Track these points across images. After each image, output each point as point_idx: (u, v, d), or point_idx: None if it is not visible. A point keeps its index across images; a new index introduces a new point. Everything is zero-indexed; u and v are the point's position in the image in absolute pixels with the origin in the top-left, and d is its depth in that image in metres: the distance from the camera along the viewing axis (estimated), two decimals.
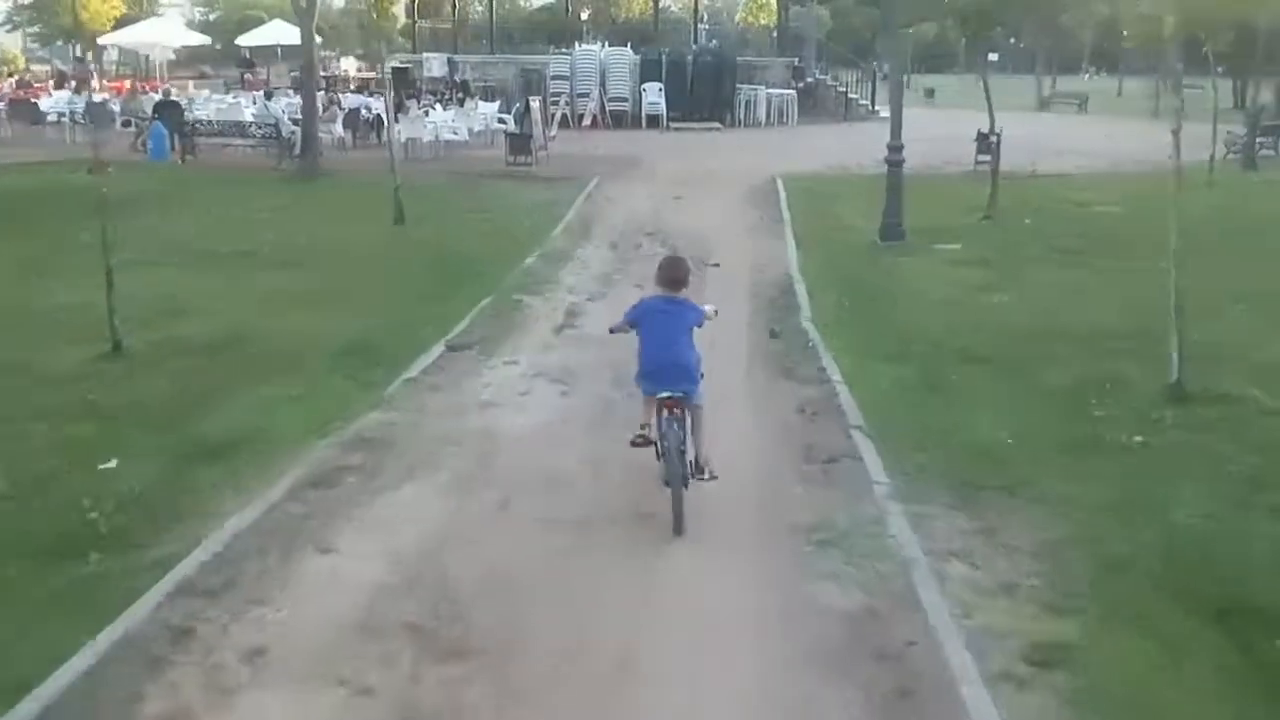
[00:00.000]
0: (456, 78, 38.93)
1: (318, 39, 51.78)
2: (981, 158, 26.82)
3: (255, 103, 30.48)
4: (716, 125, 36.55)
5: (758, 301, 13.43)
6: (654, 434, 6.94)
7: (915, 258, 16.09)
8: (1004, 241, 17.34)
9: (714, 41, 42.14)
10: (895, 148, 17.03)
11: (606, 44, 39.42)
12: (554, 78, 36.62)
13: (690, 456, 6.93)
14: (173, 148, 26.73)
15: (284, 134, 25.77)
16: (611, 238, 17.82)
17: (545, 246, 16.89)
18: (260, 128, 26.11)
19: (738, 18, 61.03)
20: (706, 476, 7.00)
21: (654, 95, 36.48)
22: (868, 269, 15.25)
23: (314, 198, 21.94)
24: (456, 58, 41.23)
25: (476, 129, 30.15)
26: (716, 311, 7.67)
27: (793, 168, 26.93)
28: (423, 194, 21.81)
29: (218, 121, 27.07)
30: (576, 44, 38.16)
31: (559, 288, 14.05)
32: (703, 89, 37.44)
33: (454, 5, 47.79)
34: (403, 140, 27.28)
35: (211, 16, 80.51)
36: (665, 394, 6.90)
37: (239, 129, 26.25)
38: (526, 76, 37.91)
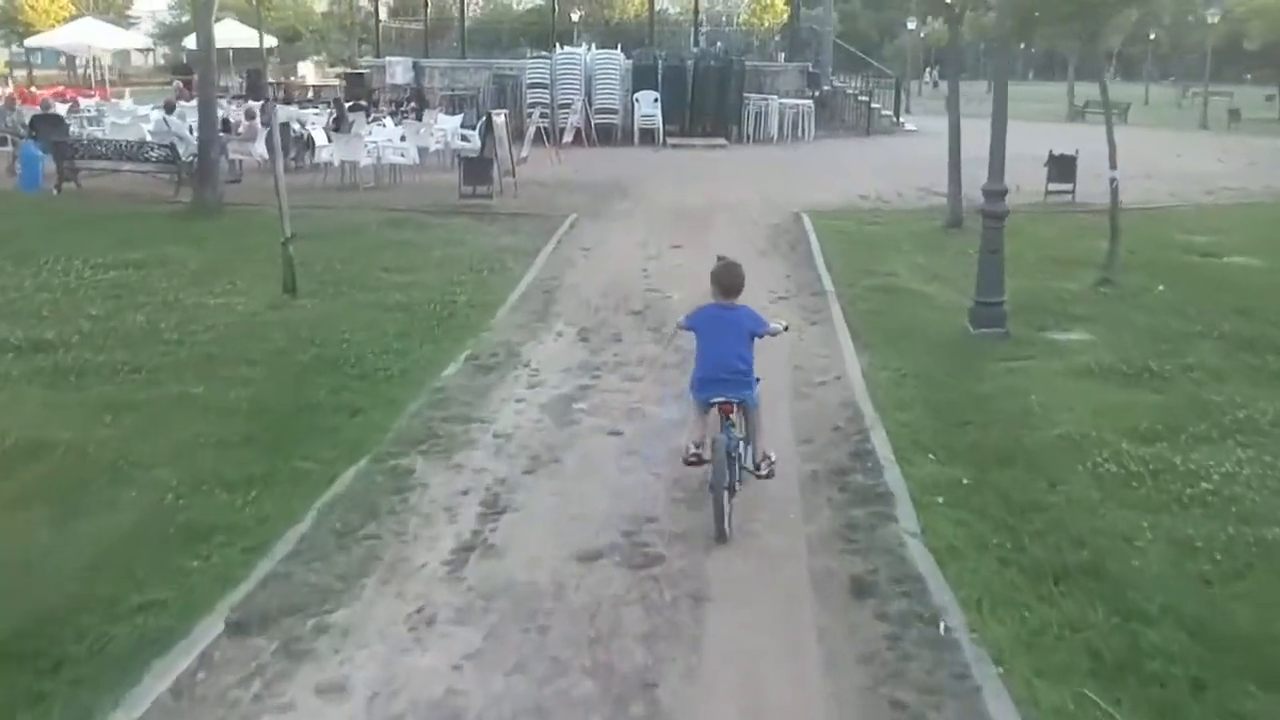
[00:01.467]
0: (416, 86, 33.64)
1: (271, 40, 46.63)
2: (1056, 186, 21.58)
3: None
4: (721, 142, 31.24)
5: (817, 491, 7.69)
6: (706, 451, 6.89)
7: (1035, 362, 10.74)
8: (1148, 327, 12.02)
9: (718, 44, 36.75)
10: (996, 193, 11.69)
11: (593, 46, 34.03)
12: (531, 86, 31.31)
13: (746, 461, 7.03)
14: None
15: (183, 157, 20.40)
16: (583, 319, 12.49)
17: (482, 338, 11.56)
18: (155, 149, 20.75)
19: (740, 19, 55.66)
20: (764, 472, 7.10)
21: (648, 106, 31.17)
22: (971, 390, 9.86)
23: (198, 246, 16.61)
24: (424, 62, 35.93)
25: (434, 147, 24.81)
26: (787, 327, 7.89)
27: (819, 198, 21.62)
28: (338, 243, 16.60)
29: (105, 142, 21.68)
30: (557, 46, 32.73)
31: (481, 440, 8.57)
32: (705, 99, 32.13)
33: (425, 2, 42.41)
34: (336, 163, 21.99)
35: (184, 18, 74.98)
36: (720, 399, 6.94)
37: (130, 151, 20.87)
38: (500, 84, 32.68)
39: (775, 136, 32.61)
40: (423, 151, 24.17)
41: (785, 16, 52.16)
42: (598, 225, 18.73)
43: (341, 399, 9.36)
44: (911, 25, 69.87)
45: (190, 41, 45.41)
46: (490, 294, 13.55)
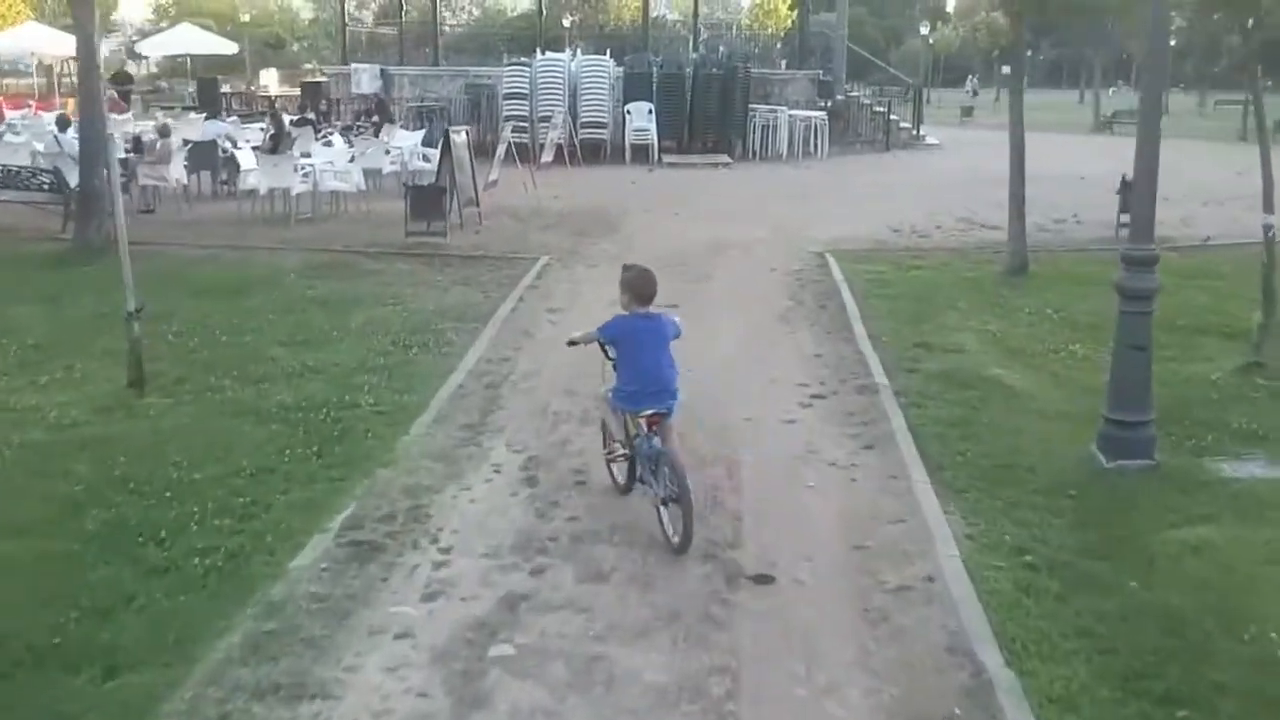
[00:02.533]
0: (382, 96, 29.90)
1: (232, 46, 42.94)
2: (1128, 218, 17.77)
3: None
4: (724, 159, 27.47)
5: None
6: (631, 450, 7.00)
7: (1222, 529, 6.92)
8: None
9: (721, 49, 33.02)
10: (1142, 261, 7.88)
11: (579, 51, 30.25)
12: (508, 96, 27.55)
13: (668, 484, 6.63)
14: None
15: (70, 185, 16.61)
16: (533, 439, 8.70)
17: (378, 479, 7.76)
18: (38, 175, 16.96)
19: (742, 23, 51.94)
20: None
21: (642, 119, 27.41)
22: (1147, 602, 6.01)
23: (52, 306, 12.86)
24: (393, 70, 32.20)
25: (389, 169, 21.04)
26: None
27: (843, 231, 17.91)
28: (235, 302, 12.96)
29: None
30: (538, 51, 28.89)
31: None
32: (706, 110, 28.35)
33: (400, 3, 38.73)
34: (263, 192, 18.23)
35: (162, 24, 71.13)
36: (651, 411, 6.80)
37: (8, 177, 17.08)
38: (475, 95, 28.93)
39: (785, 153, 28.83)
40: (375, 175, 20.41)
41: (789, 21, 48.51)
42: (573, 273, 14.93)
43: (106, 633, 5.57)
44: (925, 30, 66.03)
45: (146, 46, 41.79)
46: (411, 390, 9.74)
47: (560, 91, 27.43)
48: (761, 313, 12.84)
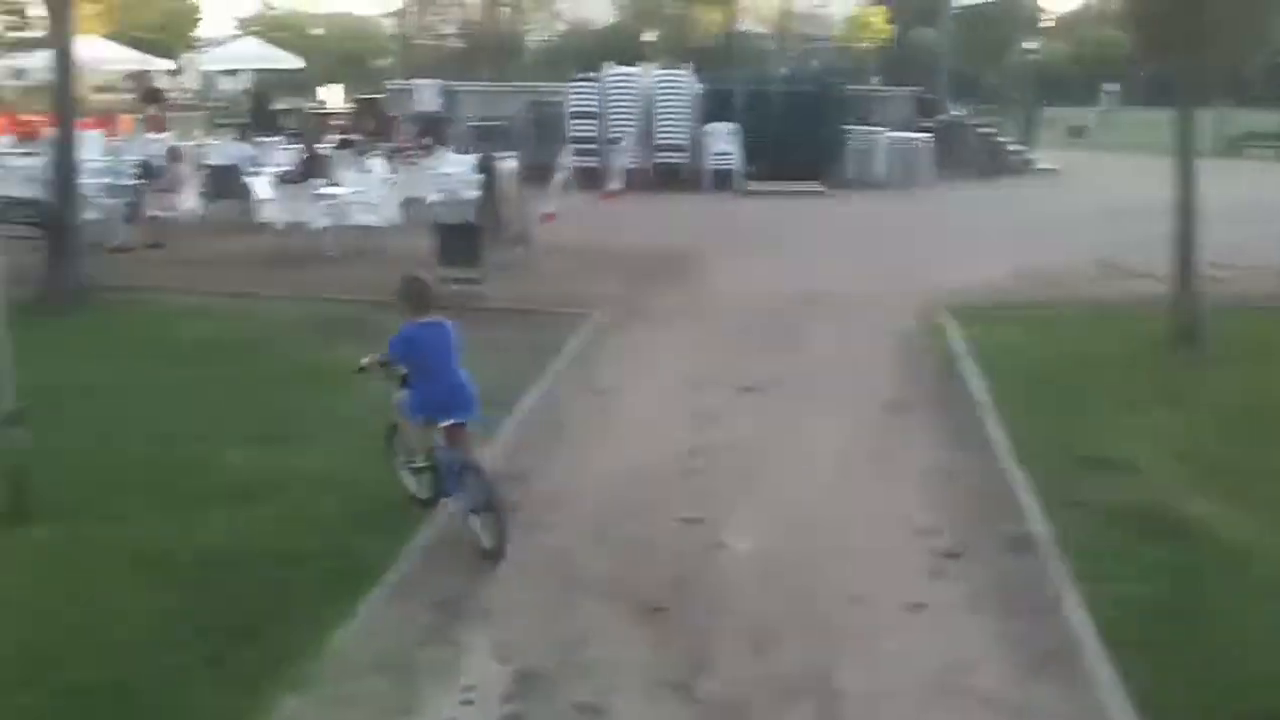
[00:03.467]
0: (440, 115, 27.50)
1: (297, 60, 40.93)
2: None
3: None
4: (816, 186, 24.52)
5: None
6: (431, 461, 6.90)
7: None
8: None
9: (814, 63, 30.09)
10: None
11: (656, 66, 27.52)
12: (575, 115, 24.90)
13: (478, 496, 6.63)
14: None
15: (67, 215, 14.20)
16: (532, 644, 5.91)
17: (281, 712, 5.03)
18: (17, 206, 14.64)
19: (835, 36, 48.97)
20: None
21: (723, 142, 24.55)
22: None
23: None
24: (455, 85, 29.81)
25: (432, 198, 18.46)
26: None
27: (959, 279, 14.88)
28: (200, 373, 10.34)
29: None
30: (607, 65, 26.19)
31: None
32: (796, 132, 25.42)
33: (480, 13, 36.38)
34: (279, 226, 15.77)
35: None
36: (451, 421, 6.72)
37: None
38: (539, 113, 26.33)
39: (884, 179, 25.80)
40: (415, 206, 17.88)
41: (886, 36, 45.49)
42: (629, 337, 12.17)
43: None
44: (1030, 44, 62.16)
45: (207, 61, 39.81)
46: (383, 528, 7.04)
47: (633, 110, 24.70)
48: (864, 400, 9.94)
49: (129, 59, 38.63)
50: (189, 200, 17.00)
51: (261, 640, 5.69)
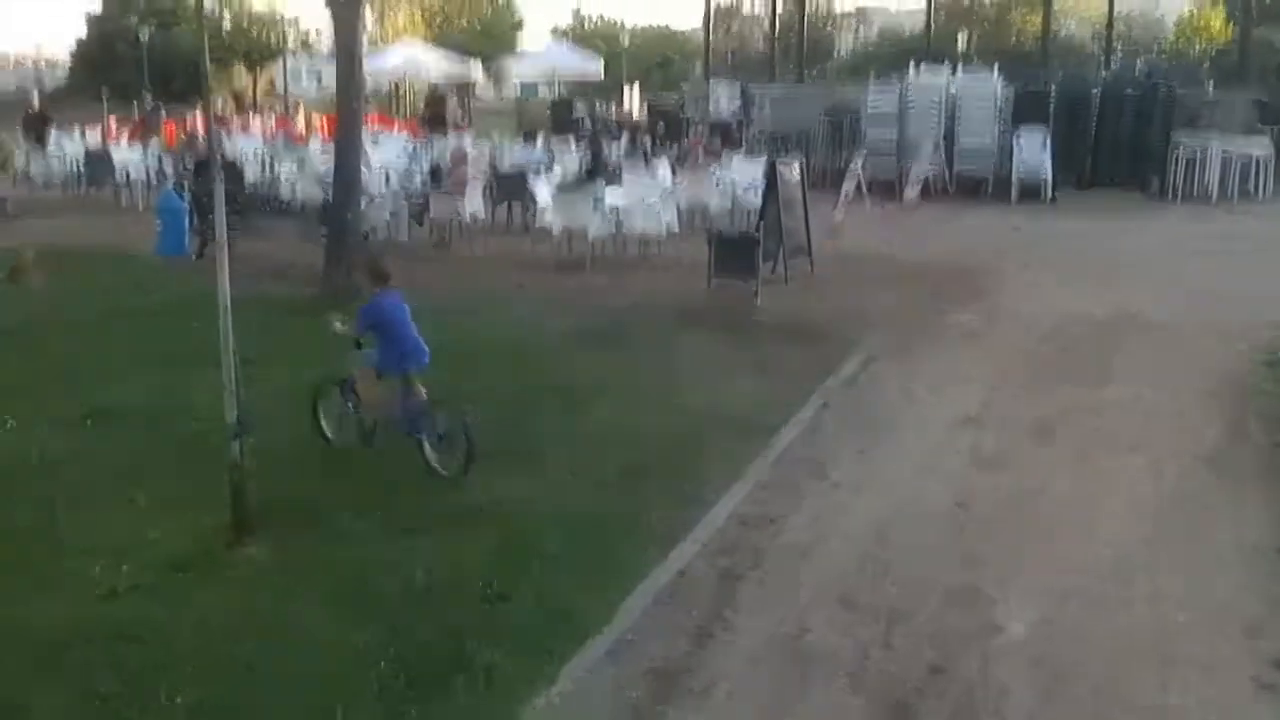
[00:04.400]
0: (738, 119, 26.87)
1: (592, 65, 41.21)
2: None
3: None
4: (1136, 198, 22.33)
5: None
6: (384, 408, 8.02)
7: None
8: None
9: (1139, 65, 27.66)
10: None
11: (959, 70, 25.89)
12: (872, 121, 23.70)
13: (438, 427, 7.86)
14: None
15: (346, 216, 14.37)
16: None
17: None
18: (300, 206, 14.97)
19: (1167, 43, 45.33)
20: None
21: (1033, 150, 22.72)
22: None
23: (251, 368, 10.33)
24: (755, 89, 29.14)
25: (716, 205, 17.87)
26: None
27: None
28: (445, 379, 9.93)
29: (247, 195, 16.17)
30: (912, 68, 24.78)
31: None
32: (1116, 139, 23.32)
33: (772, 18, 35.68)
34: (556, 231, 15.49)
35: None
36: (413, 368, 7.89)
37: (277, 207, 15.25)
38: (836, 118, 25.28)
39: (1214, 194, 23.29)
40: (696, 214, 17.30)
41: (1224, 38, 41.65)
42: (910, 364, 11.01)
43: None
44: None
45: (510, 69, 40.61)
46: (604, 572, 6.32)
47: (934, 115, 23.26)
48: (1181, 452, 8.50)
49: (445, 64, 39.99)
50: (474, 203, 16.96)
51: (448, 697, 5.07)
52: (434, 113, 31.89)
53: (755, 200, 16.92)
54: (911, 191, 21.11)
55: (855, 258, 15.75)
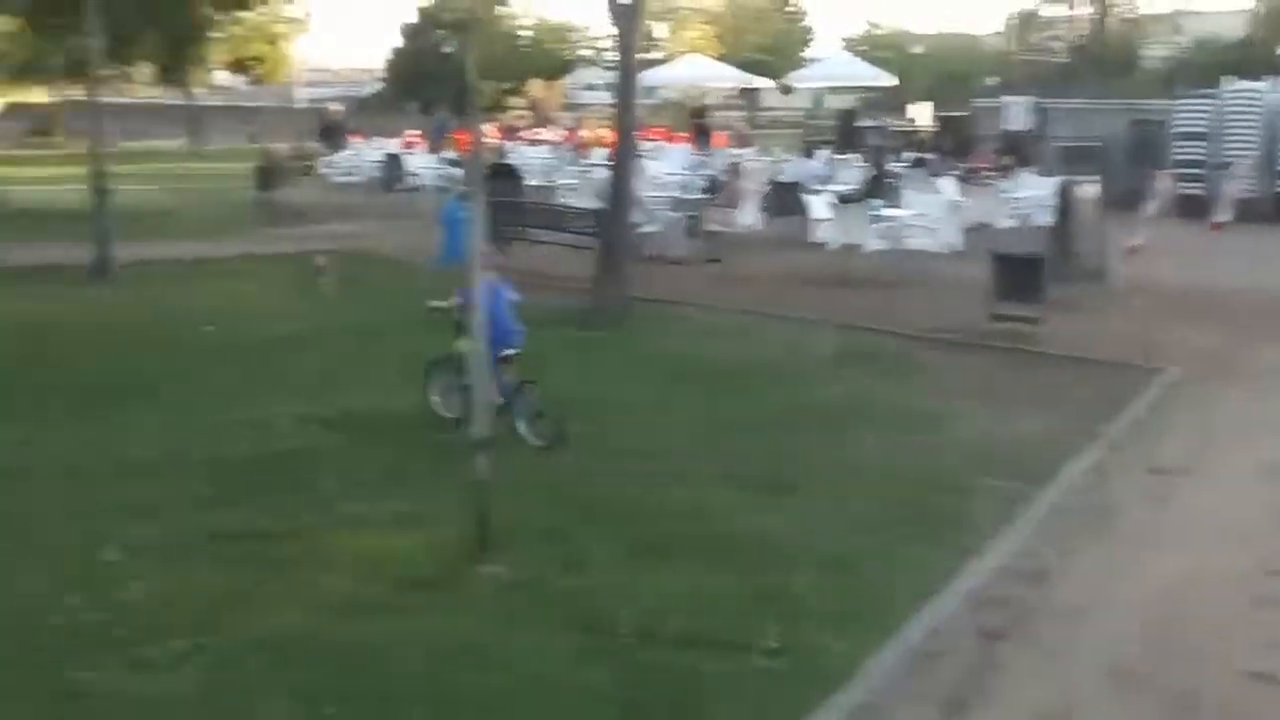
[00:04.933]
0: (1029, 133, 25.57)
1: (889, 78, 40.21)
2: None
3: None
4: None
5: None
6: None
7: None
8: None
9: None
10: None
11: None
12: (1180, 136, 22.02)
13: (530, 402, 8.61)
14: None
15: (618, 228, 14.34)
16: None
17: None
18: (580, 217, 15.05)
19: None
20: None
21: None
22: None
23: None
24: (1048, 103, 27.71)
25: (1004, 223, 17.01)
26: None
27: None
28: (702, 400, 9.75)
29: (523, 205, 16.40)
30: (1227, 81, 22.89)
31: None
32: None
33: (1074, 27, 33.89)
34: (832, 246, 15.03)
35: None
36: (509, 351, 8.47)
37: (551, 217, 15.42)
38: (1141, 133, 23.66)
39: None
40: (982, 231, 16.46)
41: None
42: (1210, 404, 9.97)
43: None
44: None
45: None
46: (847, 622, 5.82)
47: (1253, 131, 21.38)
48: None
49: (732, 78, 40.05)
50: (748, 216, 16.71)
51: None
52: (698, 125, 31.85)
53: (1046, 220, 15.93)
54: (1223, 214, 19.44)
55: (1155, 285, 14.49)
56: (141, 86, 43.72)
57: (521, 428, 8.55)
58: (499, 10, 63.09)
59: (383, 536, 6.97)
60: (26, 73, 42.56)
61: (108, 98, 40.11)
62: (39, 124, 49.98)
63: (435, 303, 8.79)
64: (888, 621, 5.85)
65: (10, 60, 40.91)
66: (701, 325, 13.01)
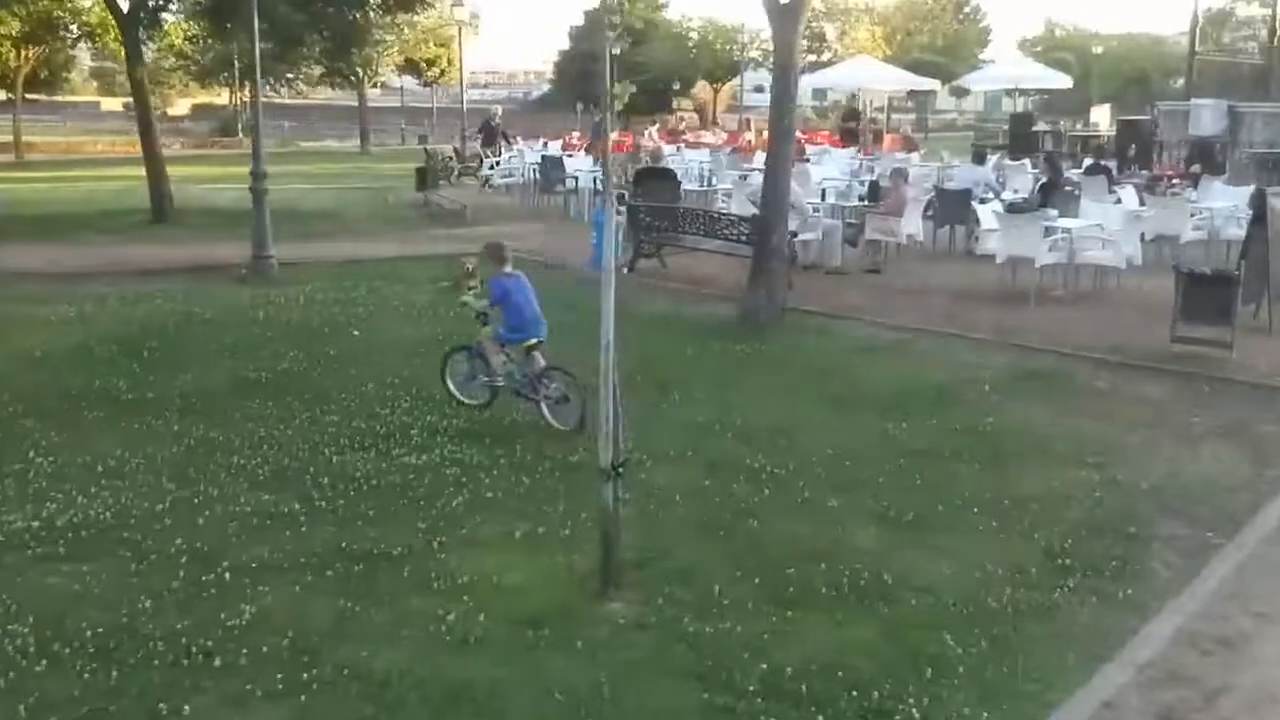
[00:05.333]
0: (1220, 139, 24.03)
1: (1063, 79, 38.45)
2: None
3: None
4: None
5: None
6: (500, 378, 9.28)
7: None
8: None
9: None
10: None
11: None
12: None
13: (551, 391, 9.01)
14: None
15: (772, 236, 13.75)
16: None
17: None
18: (734, 225, 14.51)
19: None
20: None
21: None
22: None
23: (661, 394, 9.89)
24: (1243, 107, 26.08)
25: (1190, 235, 15.91)
26: None
27: None
28: (858, 424, 9.19)
29: (678, 210, 15.91)
30: None
31: None
32: None
33: (1272, 25, 31.96)
34: (1000, 259, 14.20)
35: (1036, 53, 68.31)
36: (535, 340, 9.07)
37: (707, 224, 14.92)
38: None
39: None
40: (1165, 246, 15.38)
41: None
42: None
43: None
44: None
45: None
46: (1000, 696, 5.19)
47: None
48: None
49: (900, 80, 38.93)
50: (911, 225, 15.93)
51: None
52: (846, 128, 30.94)
53: (1237, 233, 14.76)
54: None
55: None
56: (318, 88, 44.88)
57: (545, 412, 8.97)
58: (662, 13, 62.98)
59: (504, 561, 6.58)
60: (210, 75, 44.15)
61: (283, 99, 41.68)
62: (221, 125, 51.92)
63: (468, 299, 9.38)
64: (1047, 695, 5.19)
65: (195, 64, 42.47)
66: (858, 340, 12.35)
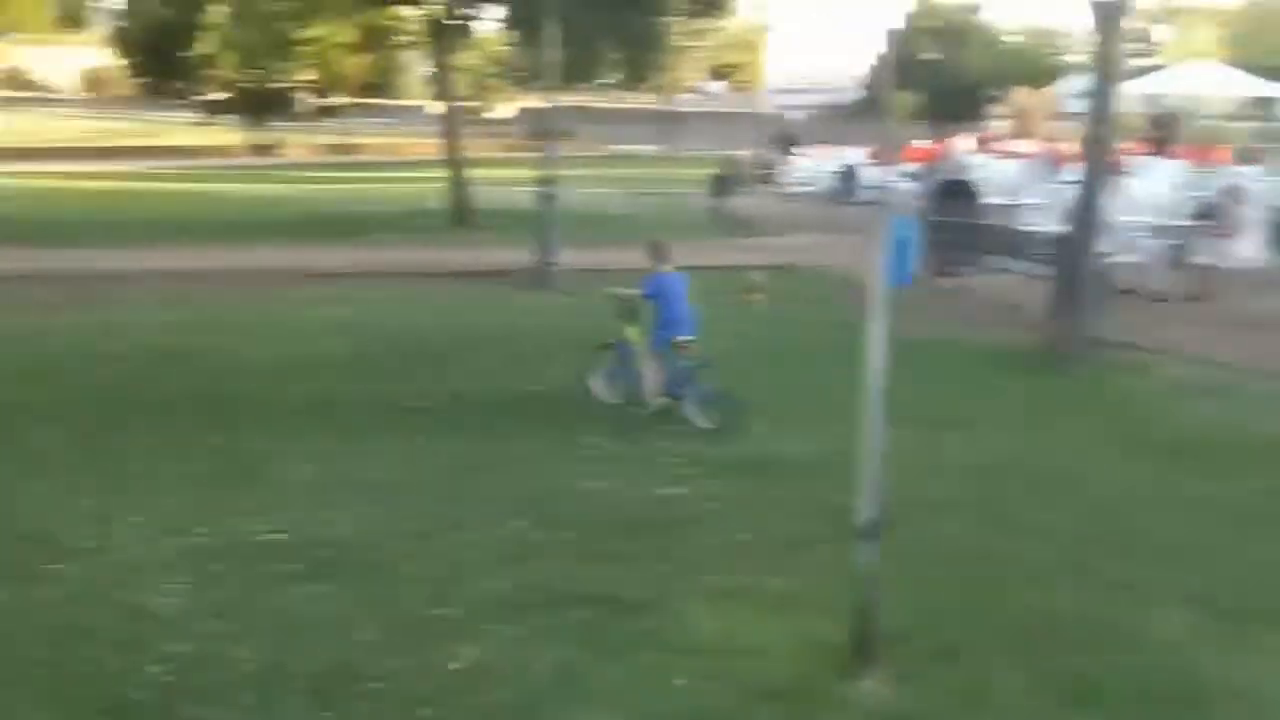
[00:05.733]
0: None
1: None
2: None
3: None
4: None
5: None
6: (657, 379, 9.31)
7: None
8: None
9: None
10: None
11: None
12: None
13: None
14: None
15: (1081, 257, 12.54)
16: None
17: None
18: (1038, 242, 13.35)
19: None
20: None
21: None
22: None
23: (940, 431, 9.02)
24: None
25: None
26: None
27: None
28: (1166, 480, 8.01)
29: (976, 227, 14.80)
30: None
31: None
32: None
33: None
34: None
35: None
36: (686, 337, 9.18)
37: (1007, 242, 13.81)
38: None
39: None
40: None
41: None
42: None
43: None
44: None
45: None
46: None
47: None
48: None
49: (1243, 84, 35.64)
50: (1248, 247, 14.22)
51: None
52: (1154, 138, 28.26)
53: None
54: None
55: None
56: (626, 93, 45.54)
57: (690, 411, 9.00)
58: (981, 16, 60.57)
59: (747, 619, 5.93)
60: (525, 81, 45.54)
61: (593, 103, 42.48)
62: (542, 129, 53.48)
63: (618, 290, 9.55)
64: None
65: (511, 69, 43.88)
66: (1180, 380, 11.00)
